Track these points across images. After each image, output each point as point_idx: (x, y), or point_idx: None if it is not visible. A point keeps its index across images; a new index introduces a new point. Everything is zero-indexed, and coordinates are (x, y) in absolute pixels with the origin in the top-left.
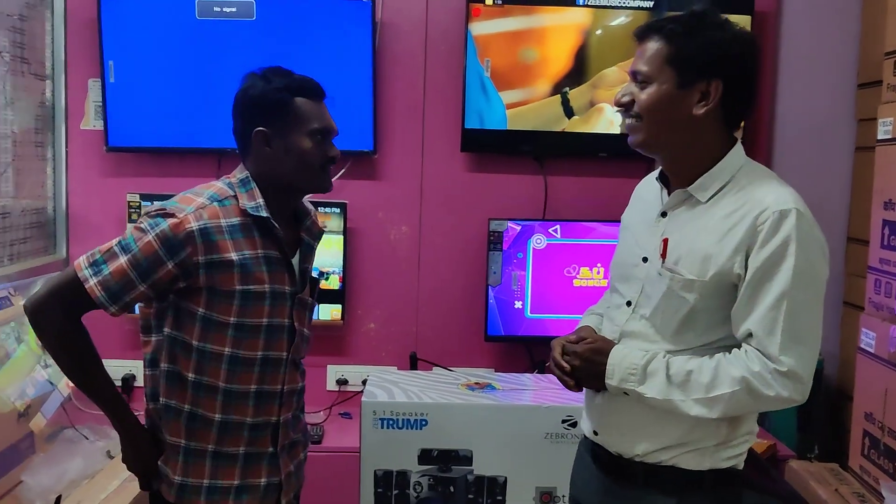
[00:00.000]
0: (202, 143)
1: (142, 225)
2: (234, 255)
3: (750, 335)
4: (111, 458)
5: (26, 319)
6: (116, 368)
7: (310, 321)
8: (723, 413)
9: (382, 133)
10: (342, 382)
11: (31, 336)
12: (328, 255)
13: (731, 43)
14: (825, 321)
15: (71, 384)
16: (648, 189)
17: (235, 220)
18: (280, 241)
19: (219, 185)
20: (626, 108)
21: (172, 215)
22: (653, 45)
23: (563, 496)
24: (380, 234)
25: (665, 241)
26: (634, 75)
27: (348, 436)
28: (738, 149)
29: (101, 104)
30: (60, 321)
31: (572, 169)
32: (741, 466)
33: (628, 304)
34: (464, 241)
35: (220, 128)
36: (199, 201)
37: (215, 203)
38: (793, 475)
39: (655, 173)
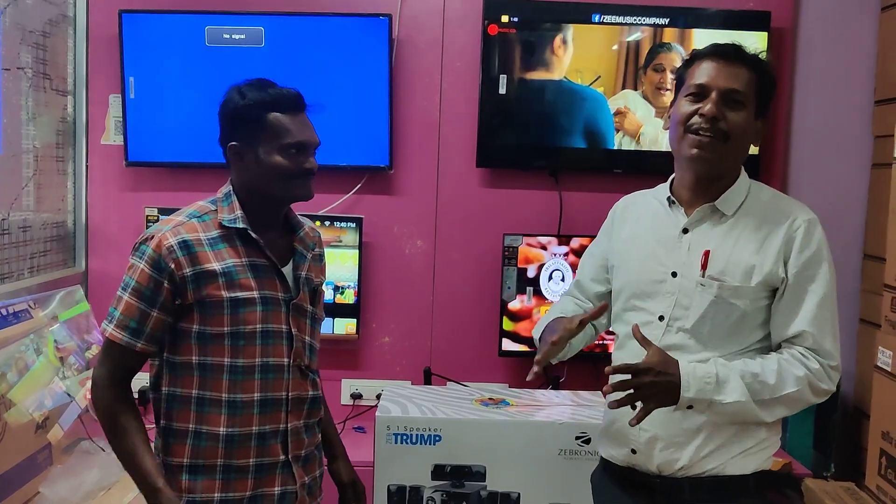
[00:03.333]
0: (219, 158)
1: (132, 261)
2: (216, 266)
3: (800, 335)
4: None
5: (46, 331)
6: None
7: (314, 331)
8: (786, 412)
9: (398, 148)
10: (356, 396)
11: (49, 348)
12: (343, 269)
13: (774, 84)
14: (840, 340)
15: (90, 395)
16: (642, 211)
17: (215, 232)
18: (263, 250)
19: (201, 203)
20: (713, 120)
21: (151, 237)
22: (744, 72)
23: None
24: (395, 249)
25: (706, 254)
26: (727, 93)
27: (362, 450)
28: (743, 171)
29: (121, 119)
30: (108, 394)
31: (587, 184)
32: (770, 465)
33: (661, 318)
34: (479, 256)
35: None
36: (178, 220)
37: (194, 219)
38: (808, 494)
39: (647, 196)
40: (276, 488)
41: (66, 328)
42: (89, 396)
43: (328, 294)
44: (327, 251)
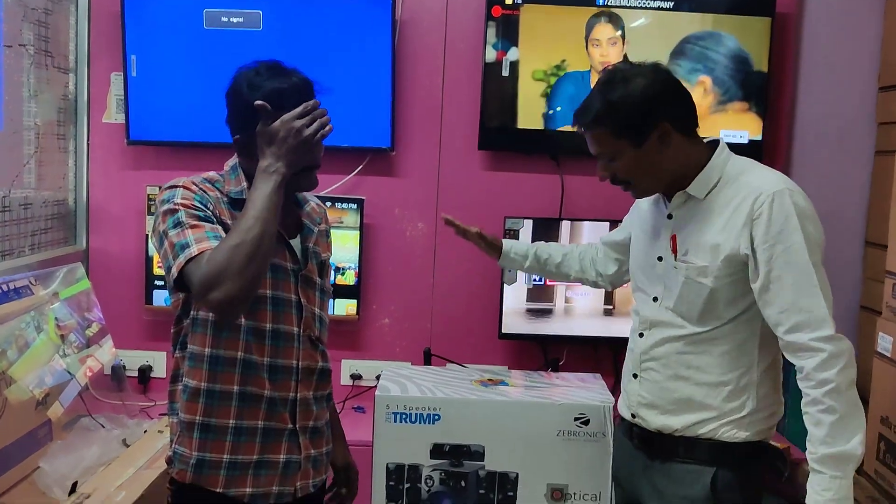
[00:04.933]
0: (220, 137)
1: (163, 209)
2: (230, 222)
3: (793, 324)
4: (127, 446)
5: (46, 309)
6: (133, 359)
7: (323, 303)
8: (860, 416)
9: (401, 130)
10: (356, 377)
11: (50, 325)
12: (344, 250)
13: (648, 89)
14: (840, 326)
15: (90, 373)
16: (644, 200)
17: (225, 198)
18: None
19: (208, 174)
20: (613, 180)
21: (174, 187)
22: (595, 132)
23: (575, 493)
24: (396, 231)
25: (673, 238)
26: (599, 157)
27: (361, 429)
28: (722, 148)
29: (122, 98)
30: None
31: (589, 168)
32: (769, 440)
33: (654, 299)
34: None
35: None
36: (191, 179)
37: (206, 182)
38: (805, 477)
39: None
40: (281, 455)
41: (67, 306)
42: (89, 375)
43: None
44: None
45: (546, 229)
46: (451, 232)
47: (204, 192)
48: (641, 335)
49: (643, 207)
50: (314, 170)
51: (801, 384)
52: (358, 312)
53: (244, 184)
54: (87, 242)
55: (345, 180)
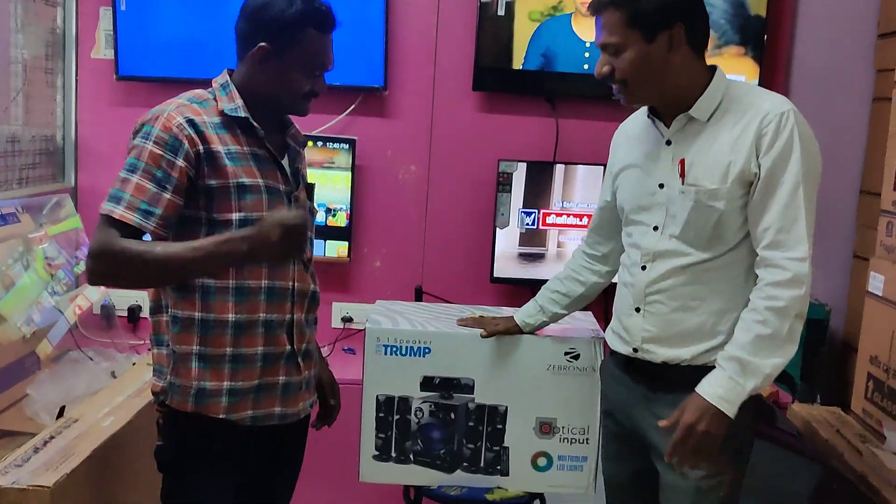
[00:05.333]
0: (212, 73)
1: (135, 142)
2: (221, 148)
3: (768, 229)
4: (115, 377)
5: (35, 248)
6: (122, 298)
7: (312, 225)
8: (797, 337)
9: (393, 69)
10: (347, 320)
11: (39, 262)
12: (335, 191)
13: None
14: (833, 274)
15: (79, 311)
16: (633, 129)
17: (216, 118)
18: (263, 140)
19: (197, 91)
20: (607, 77)
21: (156, 118)
22: (610, 15)
23: (563, 427)
24: (388, 173)
25: (682, 162)
26: (605, 48)
27: (352, 371)
28: (721, 72)
29: (111, 33)
30: (115, 250)
31: (585, 112)
32: None
33: (655, 228)
34: (473, 181)
35: (230, 59)
36: (178, 101)
37: (194, 104)
38: (794, 418)
39: (639, 114)
40: (280, 378)
41: (56, 243)
42: (78, 313)
43: (320, 216)
44: (319, 172)
45: (539, 173)
46: (443, 174)
47: (187, 125)
48: (644, 268)
49: (628, 141)
50: (314, 98)
51: (752, 294)
52: (349, 254)
53: (239, 101)
54: (76, 180)
55: (336, 120)
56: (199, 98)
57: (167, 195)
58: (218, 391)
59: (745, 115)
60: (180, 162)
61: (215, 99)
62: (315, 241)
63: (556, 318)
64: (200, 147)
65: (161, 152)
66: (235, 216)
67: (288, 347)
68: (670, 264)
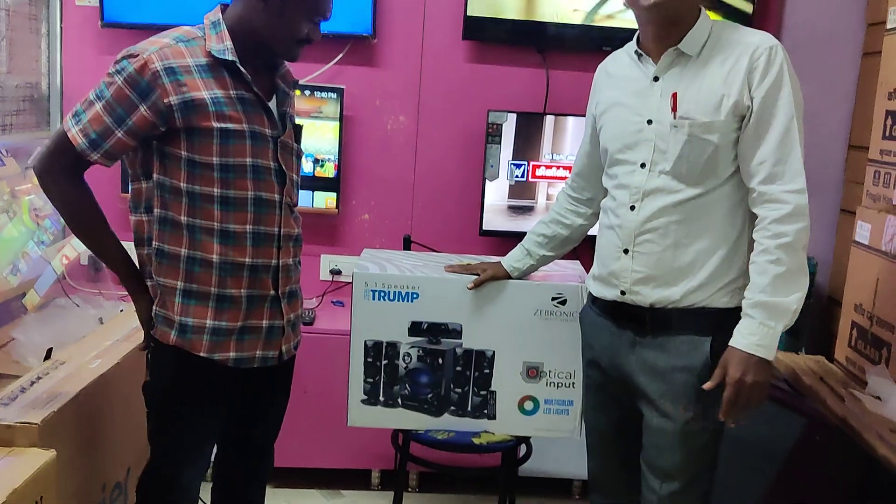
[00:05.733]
0: (199, 19)
1: (111, 70)
2: (205, 94)
3: (762, 163)
4: (102, 323)
5: (19, 189)
6: None
7: (299, 168)
8: (801, 265)
9: (382, 17)
10: (335, 272)
11: (25, 212)
12: (323, 141)
13: None
14: (820, 228)
15: (66, 261)
16: (617, 68)
17: (203, 60)
18: (250, 84)
19: (186, 28)
20: None
21: (136, 56)
22: None
23: (550, 371)
24: (377, 123)
25: (674, 96)
26: None
27: (340, 320)
28: (705, 11)
29: None
30: (60, 179)
31: (575, 63)
32: None
33: (642, 166)
34: (462, 132)
35: (216, 5)
36: (164, 41)
37: (181, 43)
38: (778, 366)
39: (620, 54)
40: (264, 321)
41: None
42: (65, 263)
43: (307, 167)
44: (307, 122)
45: (529, 125)
46: (432, 125)
47: (164, 74)
48: (633, 208)
49: (610, 80)
50: (308, 44)
51: (756, 234)
52: (337, 206)
53: (228, 42)
54: None
55: (324, 69)
56: (187, 36)
57: (119, 134)
58: (201, 328)
59: (734, 49)
60: (143, 109)
61: (204, 37)
62: (303, 193)
63: (543, 260)
64: (173, 99)
65: (128, 93)
66: (216, 160)
67: (272, 292)
68: (662, 202)
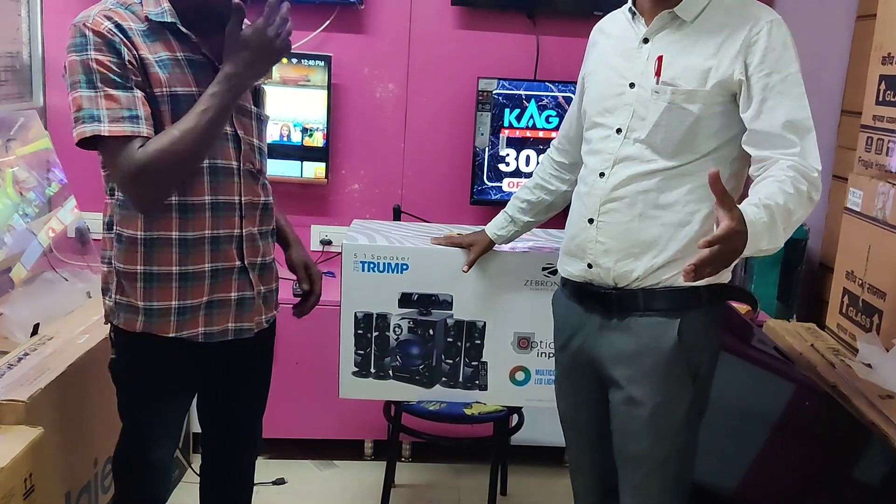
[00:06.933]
0: None
1: (74, 57)
2: (151, 56)
3: (790, 142)
4: (90, 297)
5: (2, 161)
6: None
7: (261, 132)
8: (800, 215)
9: None
10: (326, 243)
11: (8, 184)
12: (311, 110)
13: None
14: None
15: (52, 234)
16: (611, 27)
17: (143, 25)
18: (197, 46)
19: None
20: None
21: (83, 24)
22: None
23: (541, 341)
24: (366, 91)
25: (660, 59)
26: None
27: (331, 293)
28: None
29: None
30: (145, 167)
31: (565, 28)
32: (729, 279)
33: (618, 131)
34: (452, 100)
35: None
36: (102, 6)
37: (119, 8)
38: (769, 333)
39: (617, 13)
40: (232, 293)
41: (26, 164)
42: (52, 235)
43: (296, 136)
44: (294, 91)
45: (518, 90)
46: (422, 93)
47: (116, 30)
48: (602, 174)
49: (603, 38)
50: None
51: (788, 167)
52: (326, 176)
53: (165, 4)
54: (45, 99)
55: (311, 36)
56: (123, 2)
57: (138, 93)
58: (167, 310)
59: (731, 19)
60: (127, 61)
61: (141, 2)
62: (292, 163)
63: (527, 227)
64: (135, 52)
65: (107, 57)
66: (167, 128)
67: (238, 263)
68: (632, 170)
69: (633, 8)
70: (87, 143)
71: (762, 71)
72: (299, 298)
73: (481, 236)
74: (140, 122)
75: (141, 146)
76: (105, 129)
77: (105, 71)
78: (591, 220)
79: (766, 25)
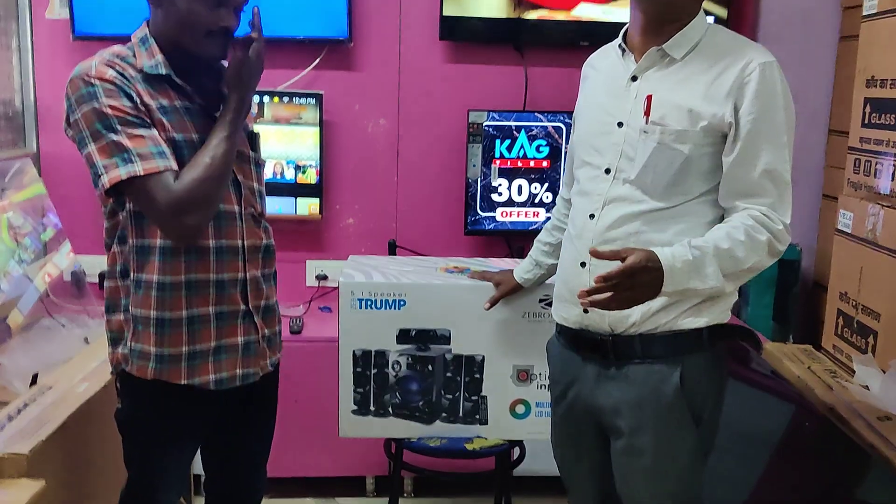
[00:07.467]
0: None
1: (87, 108)
2: (153, 102)
3: (762, 191)
4: (88, 343)
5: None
6: (92, 263)
7: (259, 176)
8: (746, 280)
9: (358, 20)
10: (322, 278)
11: (3, 230)
12: (304, 147)
13: None
14: (803, 214)
15: (48, 278)
16: (601, 62)
17: (140, 76)
18: (192, 96)
19: (115, 48)
20: None
21: (87, 75)
22: None
23: (540, 374)
24: (357, 127)
25: (649, 98)
26: None
27: (328, 328)
28: (703, 13)
29: None
30: (181, 202)
31: (553, 59)
32: (727, 322)
33: (607, 171)
34: (443, 133)
35: None
36: (101, 56)
37: (116, 59)
38: (767, 356)
39: (607, 49)
40: (238, 338)
41: (21, 210)
42: (48, 280)
43: (290, 173)
44: (286, 129)
45: (508, 121)
46: (413, 127)
47: (122, 77)
48: (592, 216)
49: (594, 73)
50: (224, 35)
51: (747, 213)
52: (321, 212)
53: (159, 56)
54: (38, 145)
55: (302, 74)
56: (119, 55)
57: (156, 132)
58: (178, 356)
59: (721, 59)
60: (137, 104)
61: (135, 55)
62: (285, 199)
63: (552, 269)
64: (139, 97)
65: (120, 102)
66: None
67: (243, 307)
68: (623, 210)
69: (622, 44)
70: (113, 188)
71: (751, 115)
72: None
73: (508, 277)
74: (167, 157)
75: (175, 178)
76: (140, 168)
77: (122, 115)
78: (583, 264)
79: (758, 67)
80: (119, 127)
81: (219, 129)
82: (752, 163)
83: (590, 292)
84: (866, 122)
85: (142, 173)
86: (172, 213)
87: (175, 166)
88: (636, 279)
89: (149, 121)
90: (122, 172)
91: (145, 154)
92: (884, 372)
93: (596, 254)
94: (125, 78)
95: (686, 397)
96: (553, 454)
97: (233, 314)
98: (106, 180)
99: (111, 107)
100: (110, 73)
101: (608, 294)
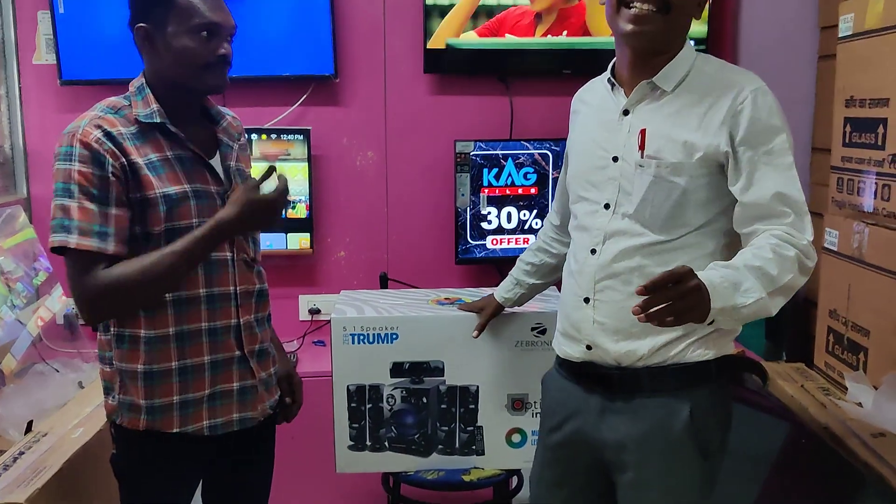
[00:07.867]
0: None
1: (60, 166)
2: (140, 160)
3: (781, 212)
4: (82, 387)
5: None
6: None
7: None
8: (785, 301)
9: (343, 56)
10: (315, 312)
11: None
12: (293, 183)
13: None
14: None
15: (41, 322)
16: (591, 96)
17: (133, 128)
18: (186, 144)
19: (112, 99)
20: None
21: (73, 135)
22: None
23: (535, 402)
24: (345, 161)
25: (643, 132)
26: None
27: (321, 362)
28: (690, 44)
29: (52, 37)
30: (105, 290)
31: (537, 89)
32: (733, 350)
33: (606, 206)
34: (431, 164)
35: None
36: (92, 114)
37: (109, 114)
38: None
39: (596, 82)
40: (234, 384)
41: (12, 255)
42: (41, 324)
43: None
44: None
45: (495, 150)
46: (401, 159)
47: (106, 139)
48: (594, 251)
49: (584, 108)
50: (221, 65)
51: (770, 233)
52: (312, 246)
53: (154, 105)
54: (28, 190)
55: (289, 111)
56: (113, 107)
57: (113, 210)
58: (168, 406)
59: (713, 89)
60: (110, 176)
61: (131, 105)
62: (276, 235)
63: (534, 289)
64: (123, 160)
65: (90, 170)
66: (164, 227)
67: (237, 352)
68: (623, 245)
69: (611, 78)
70: (58, 250)
71: (748, 142)
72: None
73: (490, 300)
74: (108, 239)
75: (105, 266)
76: (73, 241)
77: (85, 184)
78: (586, 300)
79: (750, 94)
80: (77, 194)
81: (187, 240)
82: (761, 189)
83: (643, 307)
84: (847, 141)
85: (73, 246)
86: (80, 296)
87: (114, 250)
88: (681, 288)
89: (115, 196)
90: (55, 239)
91: (86, 229)
92: (875, 388)
93: (650, 285)
94: (111, 138)
95: (695, 431)
96: (536, 494)
97: (228, 361)
98: (49, 243)
99: (79, 172)
100: (94, 136)
101: (664, 305)
